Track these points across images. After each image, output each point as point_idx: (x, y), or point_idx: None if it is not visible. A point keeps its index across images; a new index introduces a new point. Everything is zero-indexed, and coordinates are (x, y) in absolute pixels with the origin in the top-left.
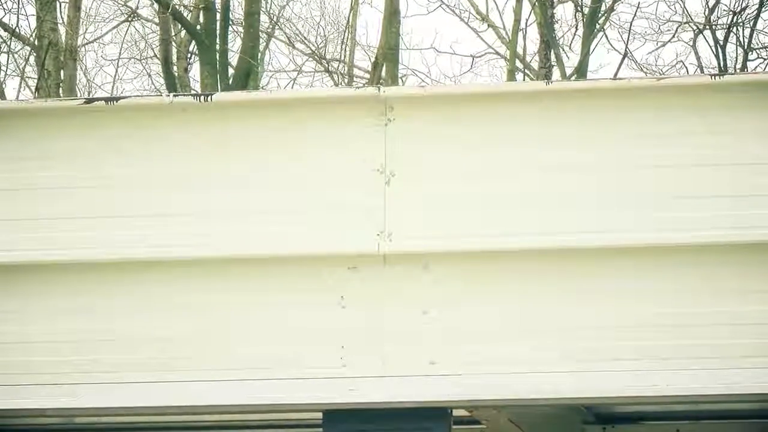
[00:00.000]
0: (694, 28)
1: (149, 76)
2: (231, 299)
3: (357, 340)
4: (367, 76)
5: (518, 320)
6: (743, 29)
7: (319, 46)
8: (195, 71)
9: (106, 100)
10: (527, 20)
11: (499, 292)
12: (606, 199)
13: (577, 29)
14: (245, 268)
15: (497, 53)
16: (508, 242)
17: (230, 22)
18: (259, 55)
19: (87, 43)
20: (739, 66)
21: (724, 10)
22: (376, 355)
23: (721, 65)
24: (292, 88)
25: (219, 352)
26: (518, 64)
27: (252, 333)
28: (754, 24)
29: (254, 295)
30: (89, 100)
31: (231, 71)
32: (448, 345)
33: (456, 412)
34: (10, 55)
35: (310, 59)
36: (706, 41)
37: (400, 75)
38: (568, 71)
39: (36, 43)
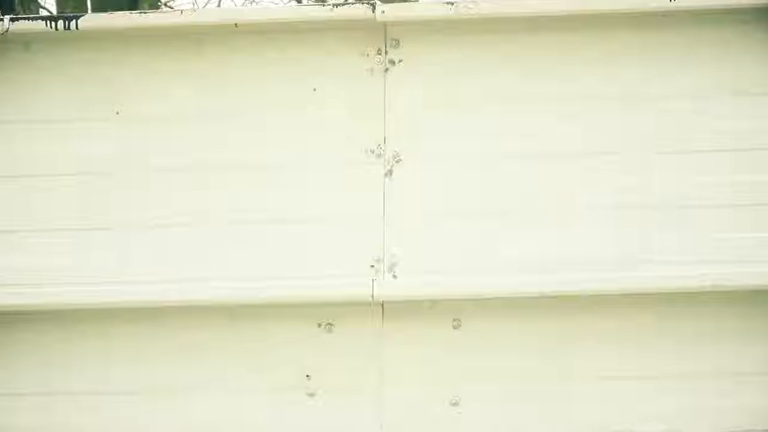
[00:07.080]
0: None
1: None
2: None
3: None
4: None
5: (618, 411)
6: None
7: None
8: None
9: None
10: None
11: (589, 368)
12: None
13: None
14: (129, 325)
15: None
16: (613, 280)
17: None
18: None
19: None
20: None
21: None
22: None
23: None
24: (219, 5)
25: None
26: None
27: None
28: None
29: (155, 375)
30: None
31: None
32: None
33: None
34: None
35: None
36: None
37: None
38: None
39: None
